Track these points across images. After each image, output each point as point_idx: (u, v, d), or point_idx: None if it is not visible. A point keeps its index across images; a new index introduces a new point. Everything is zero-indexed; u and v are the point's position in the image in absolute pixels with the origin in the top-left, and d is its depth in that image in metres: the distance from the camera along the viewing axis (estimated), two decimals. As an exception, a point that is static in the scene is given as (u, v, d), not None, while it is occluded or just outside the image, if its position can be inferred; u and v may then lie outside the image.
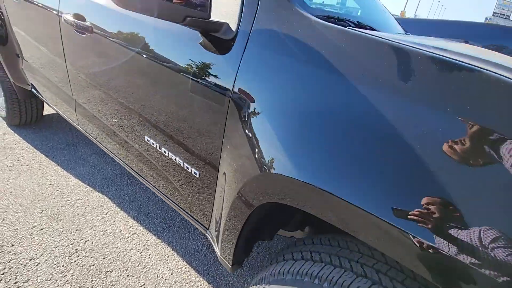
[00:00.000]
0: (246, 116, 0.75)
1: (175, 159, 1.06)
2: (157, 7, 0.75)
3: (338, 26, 0.69)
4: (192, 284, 1.36)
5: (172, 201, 1.19)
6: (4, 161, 1.93)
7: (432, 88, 0.52)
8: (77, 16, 1.33)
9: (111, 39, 1.17)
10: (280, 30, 0.74)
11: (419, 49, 0.57)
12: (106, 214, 1.65)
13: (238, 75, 0.78)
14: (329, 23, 0.70)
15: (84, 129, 1.66)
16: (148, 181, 1.30)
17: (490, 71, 0.50)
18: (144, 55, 1.03)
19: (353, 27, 0.80)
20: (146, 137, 1.17)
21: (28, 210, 1.57)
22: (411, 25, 2.36)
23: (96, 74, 1.33)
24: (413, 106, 0.52)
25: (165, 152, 1.09)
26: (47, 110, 2.64)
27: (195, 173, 1.00)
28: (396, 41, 0.61)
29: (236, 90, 0.78)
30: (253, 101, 0.74)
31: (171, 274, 1.38)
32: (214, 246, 1.01)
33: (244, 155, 0.75)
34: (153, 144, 1.14)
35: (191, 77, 0.88)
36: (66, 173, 1.93)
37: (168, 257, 1.46)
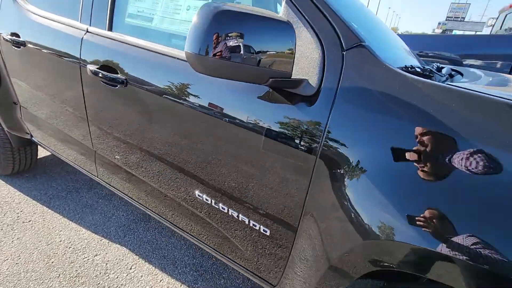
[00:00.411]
0: (342, 175, 0.70)
1: (237, 216, 0.98)
2: (244, 72, 0.71)
3: (432, 81, 0.69)
4: None
5: (225, 255, 1.11)
6: (3, 219, 1.74)
7: None
8: (107, 67, 1.25)
9: (154, 92, 1.10)
10: (371, 86, 0.72)
11: None
12: (131, 269, 1.51)
13: (327, 131, 0.74)
14: (420, 78, 0.70)
15: (107, 181, 1.55)
16: (192, 235, 1.21)
17: None
18: (199, 110, 0.98)
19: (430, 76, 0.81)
20: (197, 192, 1.09)
21: (43, 276, 1.40)
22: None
23: (134, 128, 1.24)
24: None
25: (223, 208, 1.02)
26: (41, 152, 2.45)
27: (264, 231, 0.93)
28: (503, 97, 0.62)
29: (324, 147, 0.74)
30: (348, 158, 0.70)
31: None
32: None
33: (338, 217, 0.70)
34: (206, 200, 1.06)
35: (264, 134, 0.84)
36: (75, 225, 1.76)
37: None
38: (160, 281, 1.46)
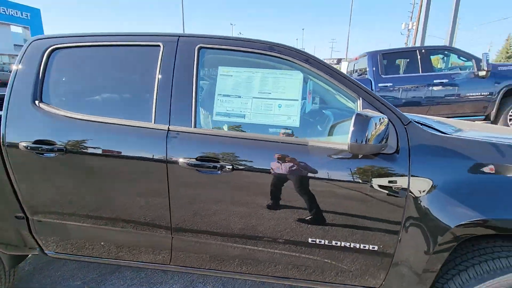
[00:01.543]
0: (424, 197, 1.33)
1: (349, 245, 1.44)
2: (375, 148, 1.28)
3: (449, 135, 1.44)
4: None
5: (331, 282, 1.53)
6: None
7: None
8: (207, 158, 1.44)
9: (259, 172, 1.43)
10: (426, 143, 1.38)
11: None
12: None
13: (410, 176, 1.33)
14: (441, 133, 1.47)
15: (182, 265, 1.66)
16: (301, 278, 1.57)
17: None
18: (313, 179, 1.40)
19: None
20: (310, 239, 1.46)
21: None
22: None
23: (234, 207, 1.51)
24: None
25: (336, 243, 1.44)
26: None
27: (373, 247, 1.43)
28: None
29: (410, 188, 1.33)
30: (429, 192, 1.31)
31: None
32: None
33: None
34: (320, 241, 1.46)
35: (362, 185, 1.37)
36: None
37: None
38: None
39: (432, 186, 1.30)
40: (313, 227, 1.44)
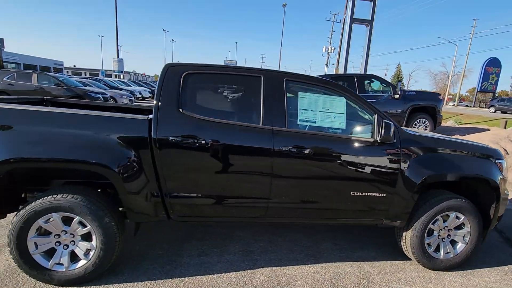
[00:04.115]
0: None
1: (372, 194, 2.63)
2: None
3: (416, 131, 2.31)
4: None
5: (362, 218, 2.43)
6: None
7: None
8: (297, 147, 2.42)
9: (327, 156, 2.49)
10: (407, 137, 2.71)
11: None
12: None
13: (401, 151, 2.66)
14: (414, 133, 2.76)
15: (276, 217, 2.59)
16: None
17: None
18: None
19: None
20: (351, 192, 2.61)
21: None
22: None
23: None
24: None
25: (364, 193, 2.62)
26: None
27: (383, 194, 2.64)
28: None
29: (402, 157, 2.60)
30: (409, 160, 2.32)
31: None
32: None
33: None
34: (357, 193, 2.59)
35: (380, 158, 2.56)
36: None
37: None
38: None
39: (410, 157, 2.56)
40: (354, 183, 2.51)
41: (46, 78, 12.12)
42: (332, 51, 40.47)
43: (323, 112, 2.53)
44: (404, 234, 2.75)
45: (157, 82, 2.36)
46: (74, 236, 2.25)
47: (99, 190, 2.44)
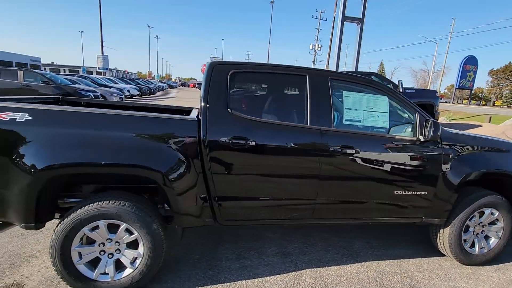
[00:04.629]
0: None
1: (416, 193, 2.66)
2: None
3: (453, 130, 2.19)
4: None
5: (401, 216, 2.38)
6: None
7: None
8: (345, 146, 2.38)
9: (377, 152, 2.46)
10: (446, 135, 2.64)
11: None
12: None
13: (443, 151, 2.64)
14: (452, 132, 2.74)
15: (323, 217, 2.55)
16: None
17: None
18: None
19: None
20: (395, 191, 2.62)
21: None
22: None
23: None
24: None
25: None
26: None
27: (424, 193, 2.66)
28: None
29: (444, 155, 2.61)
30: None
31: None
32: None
33: None
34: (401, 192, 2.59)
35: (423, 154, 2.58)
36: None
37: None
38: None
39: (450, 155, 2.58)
40: (398, 182, 2.52)
41: (33, 76, 11.54)
42: (319, 48, 40.92)
43: (367, 111, 2.52)
44: (441, 231, 2.79)
45: (203, 81, 2.27)
46: (119, 244, 2.13)
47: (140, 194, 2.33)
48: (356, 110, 2.50)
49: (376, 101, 2.56)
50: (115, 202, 2.05)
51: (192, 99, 27.63)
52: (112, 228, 2.10)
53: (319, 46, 40.32)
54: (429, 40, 43.93)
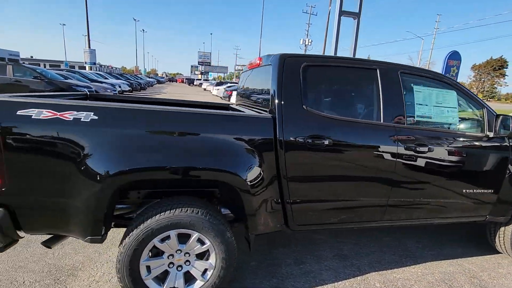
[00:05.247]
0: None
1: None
2: None
3: None
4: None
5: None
6: None
7: None
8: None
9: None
10: None
11: None
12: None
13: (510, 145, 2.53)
14: None
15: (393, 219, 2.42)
16: None
17: None
18: None
19: None
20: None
21: None
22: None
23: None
24: None
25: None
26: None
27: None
28: None
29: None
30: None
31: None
32: None
33: None
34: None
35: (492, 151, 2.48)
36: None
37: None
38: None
39: None
40: (467, 180, 2.42)
41: (22, 70, 10.88)
42: (310, 43, 40.85)
43: (437, 107, 2.40)
44: (502, 229, 2.73)
45: (273, 75, 2.08)
46: (189, 255, 1.93)
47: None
48: (426, 105, 2.37)
49: (445, 96, 2.44)
50: (187, 210, 1.85)
51: (185, 94, 27.09)
52: (181, 238, 1.90)
53: (310, 41, 40.24)
54: (416, 36, 44.63)
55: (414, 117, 2.34)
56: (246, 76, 3.09)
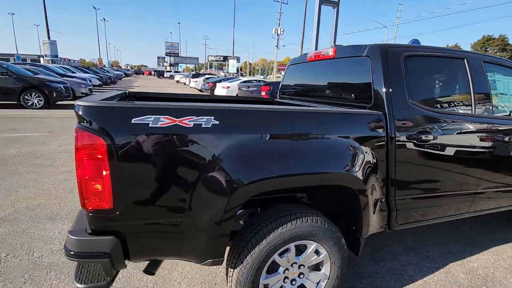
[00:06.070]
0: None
1: None
2: None
3: None
4: None
5: None
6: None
7: None
8: None
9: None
10: None
11: None
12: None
13: None
14: None
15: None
16: None
17: None
18: None
19: None
20: None
21: None
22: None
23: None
24: None
25: None
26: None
27: None
28: None
29: None
30: None
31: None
32: None
33: None
34: None
35: None
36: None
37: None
38: None
39: None
40: None
41: (-15, 66, 9.65)
42: (282, 32, 40.76)
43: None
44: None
45: (375, 68, 1.93)
46: (304, 267, 1.77)
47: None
48: (506, 95, 2.37)
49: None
50: (307, 219, 1.67)
51: (161, 87, 25.88)
52: (297, 250, 1.73)
53: (282, 30, 40.16)
54: (382, 26, 46.33)
55: (498, 106, 2.33)
56: (301, 70, 2.91)
